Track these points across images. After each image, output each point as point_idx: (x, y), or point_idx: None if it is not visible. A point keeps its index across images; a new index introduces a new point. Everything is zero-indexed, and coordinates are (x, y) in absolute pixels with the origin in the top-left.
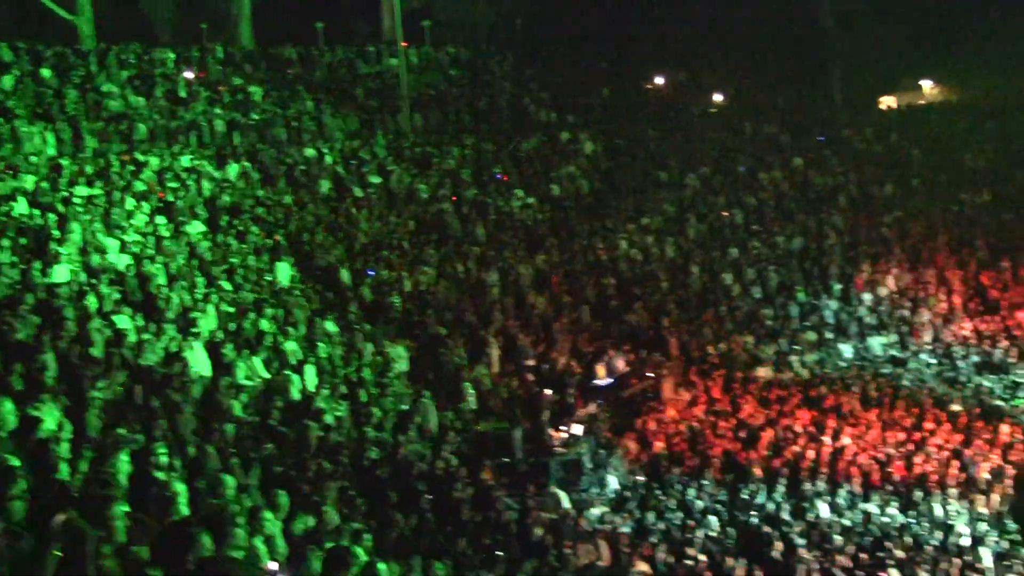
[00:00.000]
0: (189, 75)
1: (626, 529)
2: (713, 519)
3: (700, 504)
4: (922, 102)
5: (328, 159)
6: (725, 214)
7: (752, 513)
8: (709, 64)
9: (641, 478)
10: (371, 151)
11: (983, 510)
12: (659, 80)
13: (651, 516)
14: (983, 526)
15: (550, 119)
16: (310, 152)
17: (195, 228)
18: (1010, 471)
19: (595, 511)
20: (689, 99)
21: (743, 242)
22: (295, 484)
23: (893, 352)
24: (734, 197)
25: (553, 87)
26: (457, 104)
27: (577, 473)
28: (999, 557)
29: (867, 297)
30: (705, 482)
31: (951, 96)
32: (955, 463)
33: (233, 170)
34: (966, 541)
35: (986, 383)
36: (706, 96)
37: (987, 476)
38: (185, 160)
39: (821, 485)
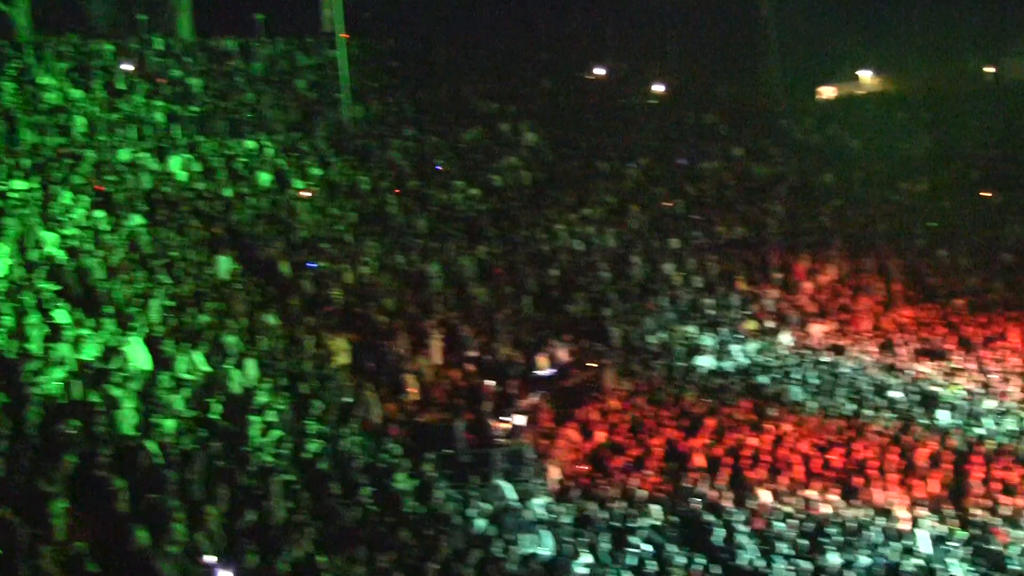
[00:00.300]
0: (128, 67)
1: (569, 519)
2: (656, 508)
3: (642, 493)
4: (861, 92)
5: (268, 151)
6: (666, 204)
7: (694, 501)
8: (650, 55)
9: (584, 468)
10: (312, 143)
11: (921, 495)
12: (600, 71)
13: (594, 506)
14: (921, 510)
15: (491, 110)
16: (250, 144)
17: (134, 221)
18: (948, 456)
19: (538, 501)
20: (630, 90)
21: (684, 232)
22: (236, 478)
23: (831, 340)
24: (675, 187)
25: (495, 78)
26: (398, 95)
27: (520, 464)
28: (937, 541)
29: (806, 286)
30: (648, 471)
31: (889, 86)
32: (894, 449)
33: (173, 163)
34: (905, 526)
35: (924, 370)
36: (647, 87)
37: (925, 461)
38: (124, 153)
39: (762, 473)
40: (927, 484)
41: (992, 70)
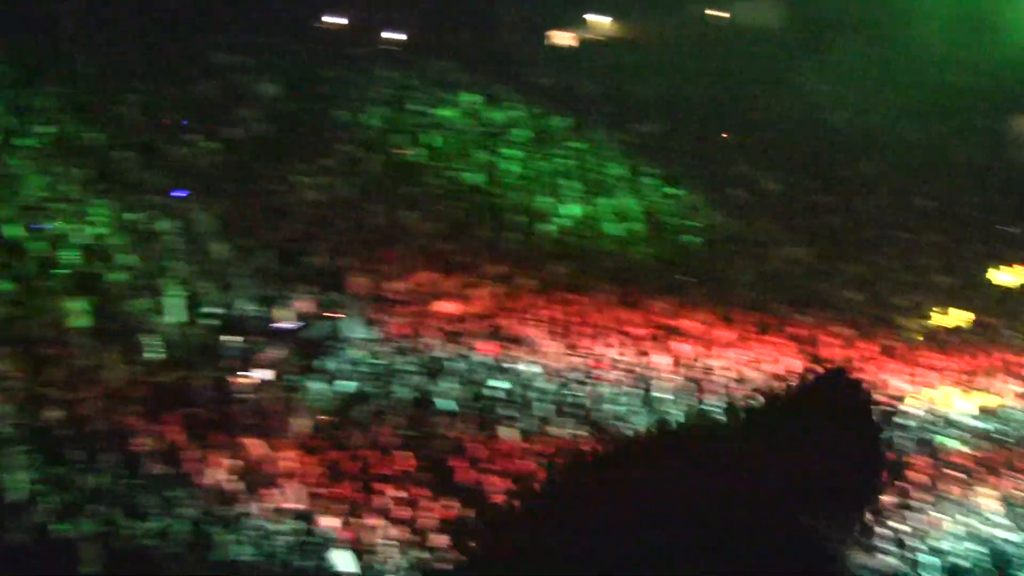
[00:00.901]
0: None
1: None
2: None
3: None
4: (593, 37)
5: None
6: (404, 152)
7: None
8: (385, 1)
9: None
10: (40, 99)
11: None
12: (335, 19)
13: None
14: None
15: (227, 63)
16: None
17: None
18: None
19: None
20: (366, 37)
21: (422, 179)
22: None
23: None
24: (413, 136)
25: (229, 29)
26: (130, 48)
27: (265, 419)
28: None
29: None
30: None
31: (623, 31)
32: None
33: None
34: None
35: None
36: (382, 34)
37: None
38: None
39: None
40: None
41: (726, 15)
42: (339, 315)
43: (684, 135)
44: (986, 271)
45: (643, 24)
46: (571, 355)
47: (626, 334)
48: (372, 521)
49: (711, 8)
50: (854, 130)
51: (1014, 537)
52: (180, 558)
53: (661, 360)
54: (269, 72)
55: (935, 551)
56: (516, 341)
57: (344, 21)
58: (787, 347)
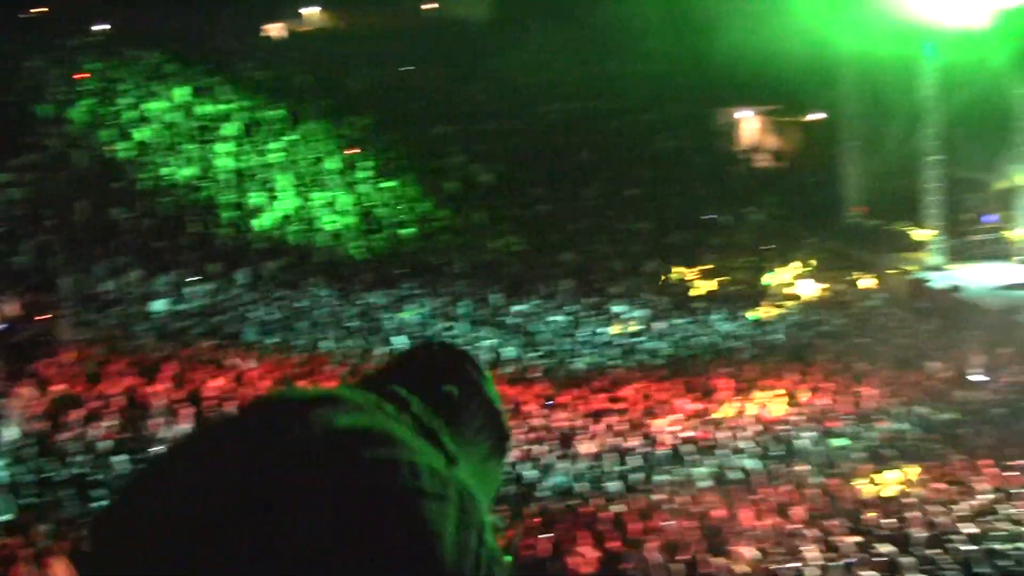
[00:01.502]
0: None
1: (30, 479)
2: (120, 458)
3: (107, 444)
4: (306, 28)
5: None
6: (113, 147)
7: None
8: None
9: (40, 425)
10: None
11: None
12: (38, 8)
13: (54, 465)
14: None
15: None
16: None
17: None
18: None
19: None
20: (72, 27)
21: (133, 175)
22: None
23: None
24: (122, 130)
25: None
26: None
27: None
28: None
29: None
30: (111, 423)
31: (335, 22)
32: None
33: None
34: None
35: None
36: (88, 25)
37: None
38: None
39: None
40: None
41: (439, 7)
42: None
43: (399, 127)
44: (688, 260)
45: (357, 16)
46: None
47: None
48: None
49: (425, 1)
50: (567, 121)
51: None
52: None
53: None
54: None
55: None
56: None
57: (46, 10)
58: None
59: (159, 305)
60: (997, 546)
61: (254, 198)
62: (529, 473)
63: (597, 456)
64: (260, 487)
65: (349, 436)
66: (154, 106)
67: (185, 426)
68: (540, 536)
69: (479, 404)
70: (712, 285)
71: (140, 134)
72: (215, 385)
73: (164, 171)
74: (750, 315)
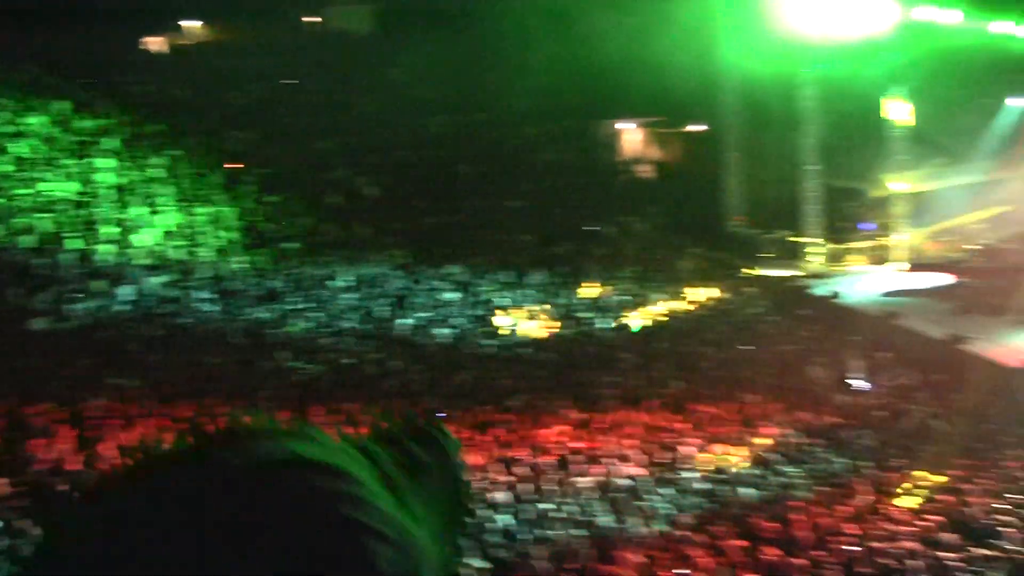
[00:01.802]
0: None
1: None
2: None
3: None
4: (186, 42)
5: None
6: None
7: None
8: None
9: None
10: None
11: None
12: None
13: None
14: None
15: None
16: None
17: None
18: None
19: None
20: None
21: (9, 191)
22: None
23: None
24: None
25: None
26: None
27: None
28: None
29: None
30: None
31: (217, 35)
32: None
33: None
34: None
35: (262, 314)
36: None
37: None
38: None
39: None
40: None
41: (321, 20)
42: None
43: (282, 141)
44: (577, 269)
45: (239, 30)
46: None
47: None
48: None
49: (307, 14)
50: (451, 134)
51: None
52: None
53: None
54: None
55: None
56: None
57: None
58: None
59: (39, 323)
60: (877, 544)
61: (135, 213)
62: None
63: (483, 467)
64: (209, 511)
65: (302, 465)
66: (32, 120)
67: (65, 446)
68: None
69: (444, 472)
70: (595, 293)
71: (17, 149)
72: (98, 404)
73: (42, 186)
74: (634, 325)
